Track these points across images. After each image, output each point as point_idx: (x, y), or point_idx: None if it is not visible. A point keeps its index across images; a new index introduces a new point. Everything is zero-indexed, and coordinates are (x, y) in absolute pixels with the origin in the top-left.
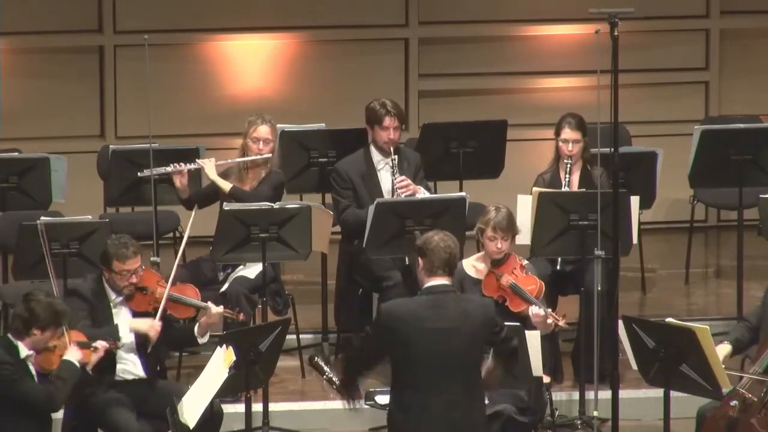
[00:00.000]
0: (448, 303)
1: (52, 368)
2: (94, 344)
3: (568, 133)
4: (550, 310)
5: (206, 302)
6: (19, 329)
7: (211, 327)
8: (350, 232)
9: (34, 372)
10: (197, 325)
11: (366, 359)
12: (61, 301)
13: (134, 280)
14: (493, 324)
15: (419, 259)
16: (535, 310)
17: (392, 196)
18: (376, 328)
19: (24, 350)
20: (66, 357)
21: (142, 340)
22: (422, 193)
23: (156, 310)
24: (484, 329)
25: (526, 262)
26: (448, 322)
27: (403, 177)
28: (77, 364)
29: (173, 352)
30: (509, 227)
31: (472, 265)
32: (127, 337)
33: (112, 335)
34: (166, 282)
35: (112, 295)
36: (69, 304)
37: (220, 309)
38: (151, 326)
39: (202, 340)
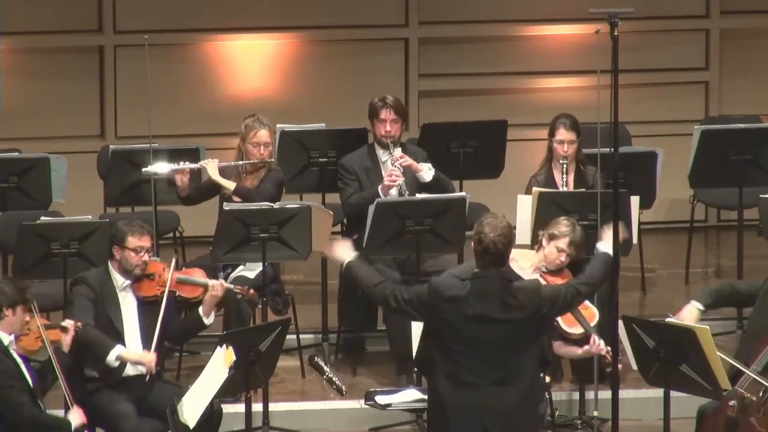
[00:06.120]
0: (494, 292)
1: (33, 349)
2: (62, 324)
3: (563, 134)
4: (602, 343)
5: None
6: None
7: (216, 302)
8: (356, 216)
9: (18, 358)
10: (202, 304)
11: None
12: (22, 279)
13: (146, 258)
14: (543, 306)
15: (473, 244)
16: (600, 345)
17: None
18: (423, 300)
19: (6, 337)
20: (70, 416)
21: (147, 333)
22: (426, 170)
23: (163, 294)
24: (531, 320)
25: None
26: (490, 311)
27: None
28: (72, 428)
29: (179, 344)
30: (581, 247)
31: (521, 268)
32: (113, 362)
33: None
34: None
35: (120, 281)
36: (75, 291)
37: (223, 282)
38: (141, 357)
39: (208, 321)
